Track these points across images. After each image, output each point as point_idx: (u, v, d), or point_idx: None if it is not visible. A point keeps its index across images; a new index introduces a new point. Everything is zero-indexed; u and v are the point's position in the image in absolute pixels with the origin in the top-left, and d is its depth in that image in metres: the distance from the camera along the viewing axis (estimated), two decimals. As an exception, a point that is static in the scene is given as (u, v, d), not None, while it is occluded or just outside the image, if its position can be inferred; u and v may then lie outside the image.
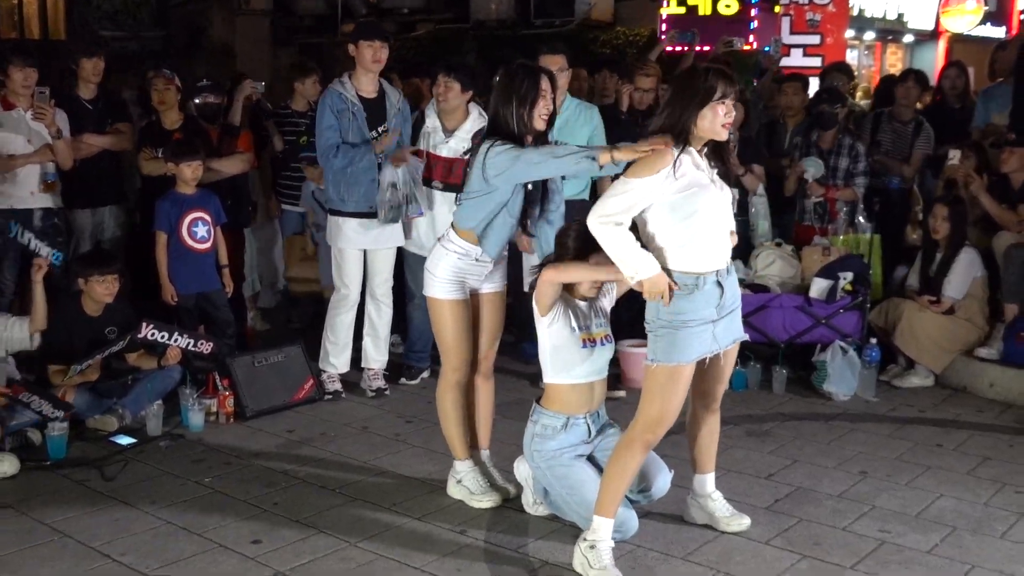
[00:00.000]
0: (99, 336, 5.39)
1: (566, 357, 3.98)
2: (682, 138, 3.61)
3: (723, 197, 3.71)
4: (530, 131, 4.04)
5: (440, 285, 4.23)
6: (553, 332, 3.97)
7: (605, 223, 3.58)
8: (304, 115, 6.94)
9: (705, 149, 3.71)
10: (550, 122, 4.10)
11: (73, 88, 6.35)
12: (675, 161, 3.57)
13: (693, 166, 3.63)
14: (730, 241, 3.80)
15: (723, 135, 3.63)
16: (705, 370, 3.87)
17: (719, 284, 3.69)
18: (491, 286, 4.36)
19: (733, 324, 3.83)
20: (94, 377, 5.35)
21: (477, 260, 4.22)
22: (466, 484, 4.35)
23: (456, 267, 4.21)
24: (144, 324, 5.32)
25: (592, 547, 3.70)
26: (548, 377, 4.06)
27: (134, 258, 6.34)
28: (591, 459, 4.07)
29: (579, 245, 3.88)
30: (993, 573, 3.75)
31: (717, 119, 3.58)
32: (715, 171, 3.72)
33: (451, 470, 4.42)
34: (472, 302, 4.30)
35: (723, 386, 4.02)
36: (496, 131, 4.06)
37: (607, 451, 3.92)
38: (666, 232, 3.64)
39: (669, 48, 8.56)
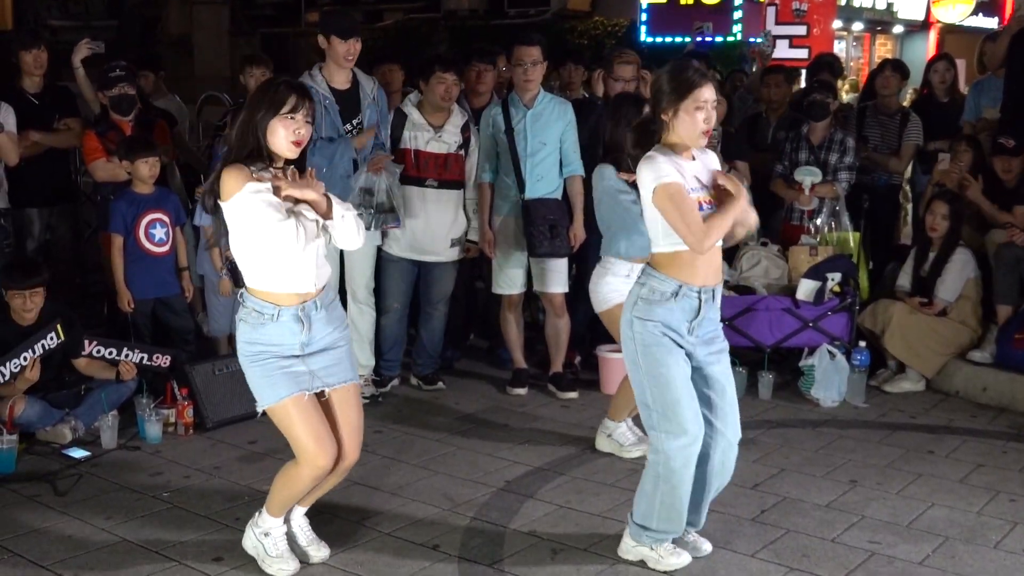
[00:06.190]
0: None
1: None
2: (256, 153, 3.49)
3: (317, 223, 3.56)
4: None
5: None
6: None
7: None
8: None
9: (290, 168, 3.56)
10: None
11: (18, 81, 6.16)
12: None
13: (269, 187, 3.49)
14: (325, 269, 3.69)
15: (292, 152, 3.51)
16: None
17: (300, 319, 3.59)
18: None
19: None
20: (34, 378, 5.07)
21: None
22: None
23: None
24: (88, 341, 5.20)
25: (266, 534, 3.80)
26: (663, 247, 3.69)
27: (89, 259, 6.13)
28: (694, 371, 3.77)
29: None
30: (986, 584, 3.72)
31: (288, 135, 3.47)
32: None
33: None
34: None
35: (352, 430, 3.78)
36: None
37: (712, 366, 3.74)
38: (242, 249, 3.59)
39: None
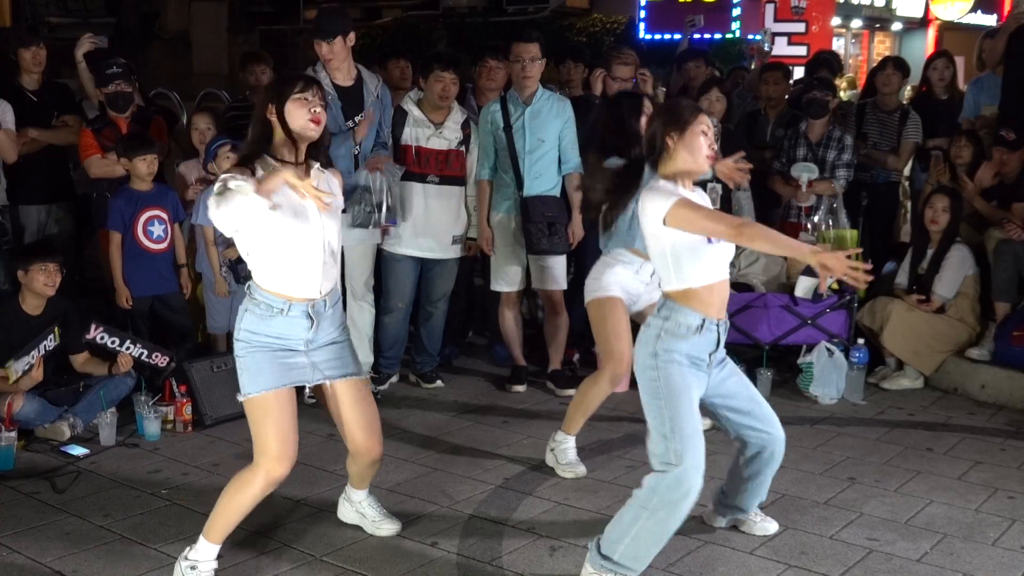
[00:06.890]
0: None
1: (693, 255, 3.59)
2: (267, 143, 3.56)
3: (326, 225, 3.58)
4: None
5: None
6: (675, 231, 3.60)
7: None
8: None
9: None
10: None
11: (16, 78, 6.15)
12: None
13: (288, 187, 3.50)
14: (335, 271, 3.70)
15: (311, 129, 3.54)
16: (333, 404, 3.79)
17: (309, 316, 3.60)
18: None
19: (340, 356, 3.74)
20: (39, 378, 5.10)
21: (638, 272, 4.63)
22: None
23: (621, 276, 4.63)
24: (93, 326, 5.18)
25: (193, 568, 3.61)
26: (675, 284, 3.65)
27: (87, 257, 6.12)
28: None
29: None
30: (985, 582, 3.72)
31: (304, 113, 3.52)
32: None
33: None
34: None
35: (365, 426, 3.80)
36: None
37: (726, 398, 3.78)
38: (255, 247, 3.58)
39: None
